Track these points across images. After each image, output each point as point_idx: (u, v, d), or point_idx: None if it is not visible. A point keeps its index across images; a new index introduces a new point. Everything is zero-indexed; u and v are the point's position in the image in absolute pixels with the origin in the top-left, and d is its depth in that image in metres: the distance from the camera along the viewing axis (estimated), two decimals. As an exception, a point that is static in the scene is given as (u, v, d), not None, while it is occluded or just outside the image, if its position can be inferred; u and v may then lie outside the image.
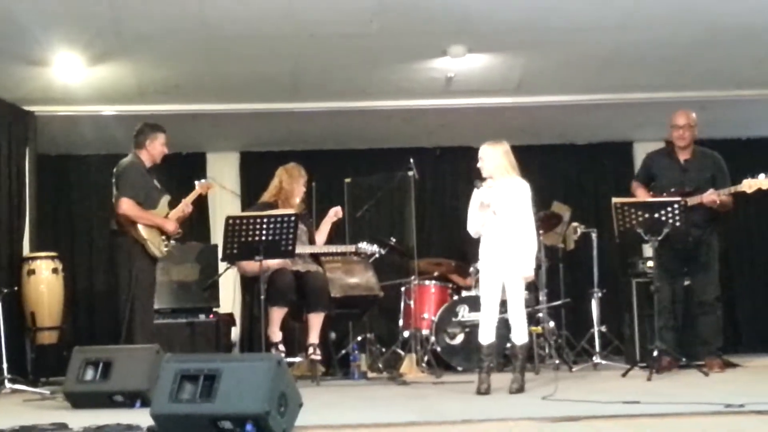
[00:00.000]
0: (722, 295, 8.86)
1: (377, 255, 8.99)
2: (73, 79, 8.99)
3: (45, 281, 9.26)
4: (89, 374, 6.49)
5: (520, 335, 7.05)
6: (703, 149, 8.79)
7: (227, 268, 8.96)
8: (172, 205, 8.23)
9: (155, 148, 8.16)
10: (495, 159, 7.09)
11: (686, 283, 8.75)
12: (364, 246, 8.81)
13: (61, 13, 7.66)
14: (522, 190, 7.08)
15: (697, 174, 8.58)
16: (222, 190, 9.41)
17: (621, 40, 8.61)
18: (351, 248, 8.69)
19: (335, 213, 8.82)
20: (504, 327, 7.46)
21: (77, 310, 11.09)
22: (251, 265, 8.19)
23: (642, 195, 8.56)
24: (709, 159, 8.70)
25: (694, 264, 8.63)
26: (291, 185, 8.69)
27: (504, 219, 7.01)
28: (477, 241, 7.23)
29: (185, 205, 8.28)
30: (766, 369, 8.98)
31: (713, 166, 8.64)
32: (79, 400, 6.46)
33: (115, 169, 8.13)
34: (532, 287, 9.52)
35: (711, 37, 8.57)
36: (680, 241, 8.27)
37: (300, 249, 8.29)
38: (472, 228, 7.17)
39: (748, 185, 8.18)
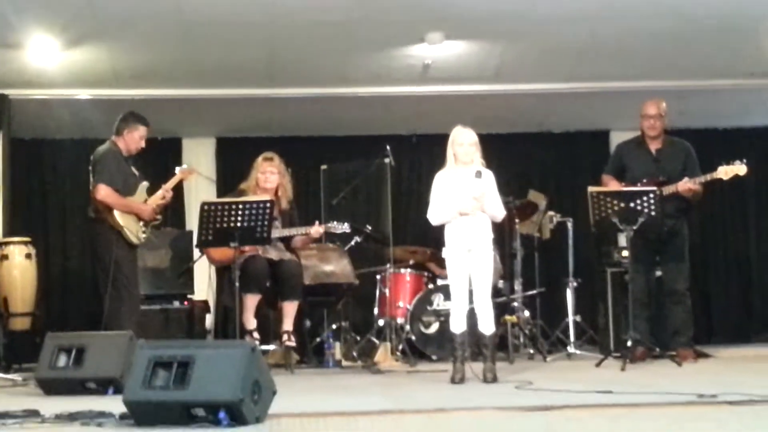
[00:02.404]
0: (696, 285, 8.91)
1: (347, 231, 8.91)
2: (48, 62, 8.93)
3: (18, 266, 9.17)
4: (62, 360, 6.44)
5: (487, 325, 7.01)
6: (674, 138, 8.83)
7: (201, 255, 8.93)
8: (150, 191, 8.19)
9: (132, 139, 8.10)
10: (475, 145, 7.06)
11: (658, 273, 8.78)
12: (335, 225, 8.76)
13: (35, -5, 7.62)
14: (491, 179, 7.05)
15: (669, 164, 8.61)
16: (198, 176, 9.37)
17: (598, 30, 8.62)
18: (321, 229, 8.63)
19: (315, 231, 8.72)
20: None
21: (51, 295, 11.00)
22: (219, 254, 8.17)
23: (614, 187, 8.55)
24: (680, 148, 8.73)
25: (666, 254, 8.67)
26: (254, 174, 8.66)
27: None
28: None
29: (165, 191, 8.24)
30: (738, 359, 9.03)
31: (684, 155, 8.67)
32: (52, 387, 6.41)
33: (92, 156, 8.08)
34: (507, 275, 9.55)
35: (687, 28, 8.60)
36: (654, 230, 8.29)
37: (273, 233, 8.24)
38: (437, 219, 7.13)
39: (725, 172, 8.22)
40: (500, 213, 7.14)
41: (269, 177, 8.64)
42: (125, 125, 8.11)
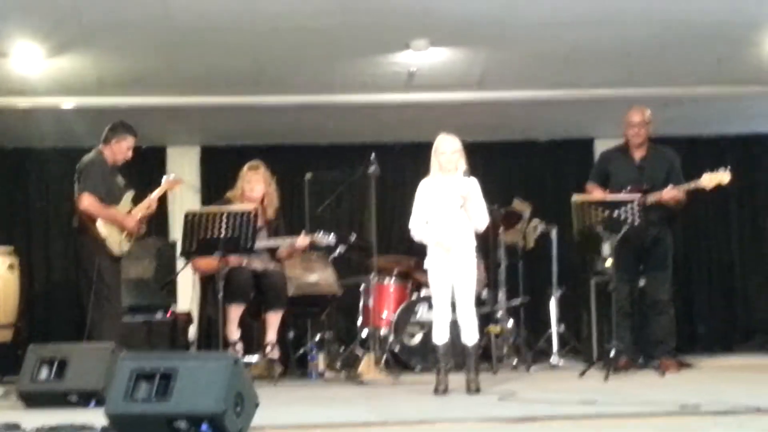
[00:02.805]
0: (679, 294, 8.92)
1: (332, 244, 8.89)
2: (32, 70, 8.87)
3: (0, 277, 9.13)
4: (44, 373, 6.40)
5: (470, 336, 7.02)
6: (658, 146, 8.85)
7: (185, 266, 8.90)
8: (135, 200, 8.16)
9: (119, 149, 8.09)
10: (459, 152, 7.05)
11: (642, 283, 8.79)
12: (321, 236, 8.75)
13: (19, 2, 7.57)
14: (475, 187, 7.04)
15: (653, 172, 8.63)
16: (182, 185, 9.34)
17: (583, 37, 8.62)
18: (307, 239, 8.62)
19: (301, 242, 8.70)
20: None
21: (33, 307, 10.95)
22: (205, 263, 8.16)
23: (598, 195, 8.55)
24: (664, 156, 8.75)
25: (650, 262, 8.69)
26: (240, 183, 8.65)
27: (452, 218, 6.98)
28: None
29: (150, 201, 8.23)
30: (721, 369, 9.04)
31: (668, 163, 8.69)
32: (33, 400, 6.37)
33: (78, 165, 8.06)
34: (491, 285, 9.54)
35: (671, 35, 8.60)
36: (638, 239, 8.30)
37: (258, 243, 8.22)
38: (416, 236, 7.13)
39: (708, 180, 8.24)
40: (483, 221, 7.12)
41: (254, 186, 8.64)
42: (114, 134, 8.09)
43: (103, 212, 7.85)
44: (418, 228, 7.10)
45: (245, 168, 8.75)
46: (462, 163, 7.01)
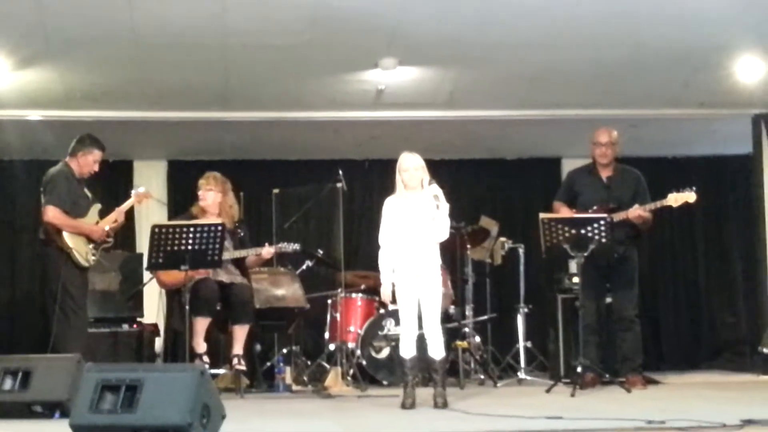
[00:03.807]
0: (645, 312, 8.96)
1: (298, 250, 8.88)
2: (-2, 82, 8.84)
3: (-36, 288, 9.07)
4: (8, 384, 6.31)
5: (437, 350, 7.02)
6: (624, 166, 8.91)
7: (151, 278, 8.87)
8: (102, 214, 8.11)
9: (86, 162, 8.04)
10: (421, 169, 7.07)
11: (608, 300, 8.83)
12: (285, 245, 8.75)
13: (-15, 15, 7.55)
14: (441, 193, 7.01)
15: (620, 191, 8.69)
16: (150, 198, 9.32)
17: (551, 58, 8.68)
18: (272, 249, 8.62)
19: (266, 252, 8.71)
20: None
21: (-2, 318, 10.89)
22: (169, 277, 8.14)
23: (566, 214, 8.60)
24: (630, 176, 8.82)
25: (616, 280, 8.73)
26: (201, 195, 8.65)
27: (419, 234, 7.00)
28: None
29: (118, 214, 8.18)
30: (686, 386, 9.08)
31: (635, 183, 8.75)
32: (-3, 410, 6.33)
33: (44, 177, 8.02)
34: (459, 301, 9.56)
35: (638, 58, 8.69)
36: (604, 257, 8.34)
37: (224, 255, 8.19)
38: (383, 264, 7.14)
39: (674, 199, 8.31)
40: (447, 230, 7.11)
41: (206, 194, 8.63)
42: (80, 147, 8.05)
43: (68, 223, 7.80)
44: (384, 263, 7.12)
45: (200, 179, 8.76)
46: (426, 179, 7.03)
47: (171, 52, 8.39)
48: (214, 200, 8.62)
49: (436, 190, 6.95)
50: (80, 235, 7.88)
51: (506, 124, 10.45)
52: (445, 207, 6.95)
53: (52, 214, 7.78)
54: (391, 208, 7.14)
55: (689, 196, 8.29)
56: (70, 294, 7.74)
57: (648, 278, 10.79)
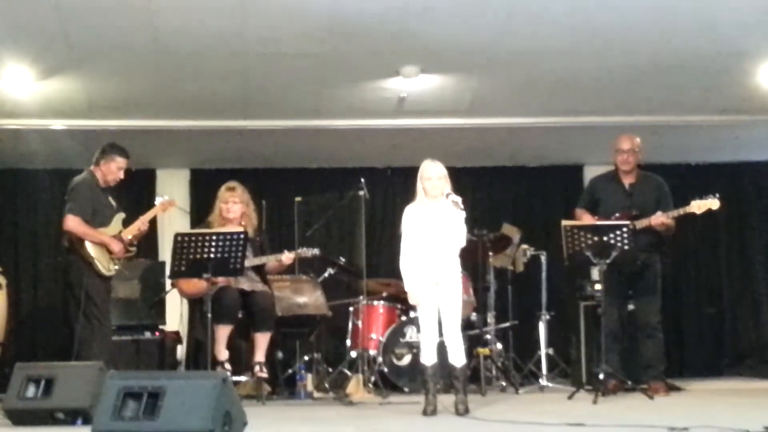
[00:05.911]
0: (668, 319, 8.92)
1: (317, 255, 8.89)
2: (22, 92, 8.87)
3: (-12, 296, 9.12)
4: (30, 391, 6.36)
5: (457, 357, 7.02)
6: (647, 173, 8.88)
7: (174, 286, 8.89)
8: (126, 222, 8.13)
9: (109, 169, 8.06)
10: (444, 178, 7.07)
11: (631, 307, 8.81)
12: (304, 249, 8.77)
13: (9, 25, 7.59)
14: (459, 211, 7.05)
15: (642, 198, 8.66)
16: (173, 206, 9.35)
17: (572, 65, 8.67)
18: (291, 255, 8.63)
19: (287, 258, 8.71)
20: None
21: (21, 326, 10.91)
22: (189, 287, 8.17)
23: (588, 221, 8.58)
24: (653, 183, 8.79)
25: (639, 287, 8.70)
26: (218, 204, 8.67)
27: (439, 241, 7.00)
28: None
29: (142, 223, 8.18)
30: (709, 393, 9.04)
31: (657, 189, 8.72)
32: (20, 418, 6.34)
33: (68, 185, 8.05)
34: (481, 308, 9.55)
35: (659, 65, 8.67)
36: (627, 264, 8.32)
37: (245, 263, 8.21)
38: (405, 275, 7.13)
39: (697, 206, 8.28)
40: (463, 238, 7.12)
41: (231, 207, 8.64)
42: (103, 155, 8.07)
43: (88, 233, 7.80)
44: (407, 268, 7.11)
45: (222, 189, 8.77)
46: (447, 189, 7.03)
47: (193, 62, 8.43)
48: (240, 212, 8.65)
49: (455, 197, 6.96)
50: (101, 245, 7.89)
51: (528, 131, 10.44)
52: (461, 214, 6.96)
53: (71, 223, 7.80)
54: (411, 215, 7.14)
55: (713, 203, 8.26)
56: (93, 302, 7.75)
57: (671, 285, 10.74)
